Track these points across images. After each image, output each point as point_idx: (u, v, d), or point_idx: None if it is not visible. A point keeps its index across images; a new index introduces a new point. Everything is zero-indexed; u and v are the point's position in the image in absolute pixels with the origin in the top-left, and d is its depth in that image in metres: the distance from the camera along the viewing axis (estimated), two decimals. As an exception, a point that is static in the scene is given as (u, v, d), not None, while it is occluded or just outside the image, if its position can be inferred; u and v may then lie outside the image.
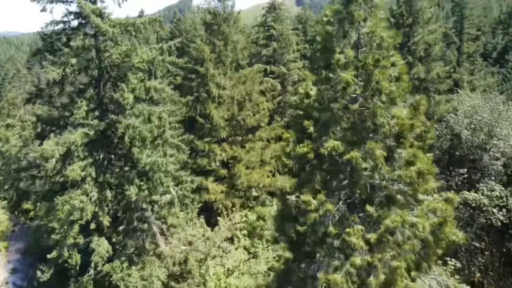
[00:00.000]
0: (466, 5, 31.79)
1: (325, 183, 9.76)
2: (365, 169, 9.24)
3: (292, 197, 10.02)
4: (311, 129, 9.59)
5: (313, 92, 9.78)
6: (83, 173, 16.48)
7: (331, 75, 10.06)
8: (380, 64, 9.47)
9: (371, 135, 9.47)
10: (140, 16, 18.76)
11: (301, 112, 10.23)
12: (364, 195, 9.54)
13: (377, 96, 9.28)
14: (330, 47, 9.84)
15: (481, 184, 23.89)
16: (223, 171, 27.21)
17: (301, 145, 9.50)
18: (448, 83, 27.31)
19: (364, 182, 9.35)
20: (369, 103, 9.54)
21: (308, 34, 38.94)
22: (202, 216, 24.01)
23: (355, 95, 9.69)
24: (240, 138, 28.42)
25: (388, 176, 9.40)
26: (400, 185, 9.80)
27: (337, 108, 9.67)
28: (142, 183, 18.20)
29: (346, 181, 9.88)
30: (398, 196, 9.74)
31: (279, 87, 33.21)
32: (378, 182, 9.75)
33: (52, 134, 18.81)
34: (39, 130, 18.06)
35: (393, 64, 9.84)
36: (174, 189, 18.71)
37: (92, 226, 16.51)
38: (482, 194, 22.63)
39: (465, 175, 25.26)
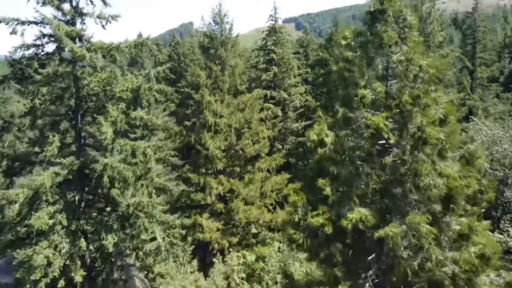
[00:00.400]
0: (478, 28, 29.38)
1: (347, 263, 6.92)
2: (405, 249, 6.43)
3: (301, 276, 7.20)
4: (328, 190, 6.81)
5: (329, 139, 7.02)
6: (51, 221, 13.61)
7: (351, 115, 7.36)
8: (421, 102, 6.78)
9: (411, 199, 6.68)
10: (147, 38, 16.40)
11: (313, 165, 7.44)
12: (401, 282, 6.71)
13: (420, 146, 6.54)
14: (350, 78, 7.14)
15: (506, 224, 21.08)
16: (220, 205, 24.23)
17: (314, 213, 6.70)
18: (463, 111, 24.63)
19: (403, 266, 6.53)
20: (406, 154, 6.81)
21: (310, 58, 36.65)
22: (196, 258, 21.00)
23: (387, 144, 6.97)
24: (238, 169, 25.55)
25: (435, 257, 6.58)
26: (448, 263, 6.99)
27: (362, 161, 6.92)
28: (124, 228, 15.40)
29: (376, 260, 7.04)
30: (446, 282, 6.90)
31: (280, 113, 30.61)
32: (420, 261, 6.93)
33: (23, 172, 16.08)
34: (4, 168, 15.28)
35: (436, 102, 7.14)
36: (161, 235, 15.80)
37: (61, 284, 13.54)
38: (508, 236, 19.78)
39: (483, 211, 22.46)
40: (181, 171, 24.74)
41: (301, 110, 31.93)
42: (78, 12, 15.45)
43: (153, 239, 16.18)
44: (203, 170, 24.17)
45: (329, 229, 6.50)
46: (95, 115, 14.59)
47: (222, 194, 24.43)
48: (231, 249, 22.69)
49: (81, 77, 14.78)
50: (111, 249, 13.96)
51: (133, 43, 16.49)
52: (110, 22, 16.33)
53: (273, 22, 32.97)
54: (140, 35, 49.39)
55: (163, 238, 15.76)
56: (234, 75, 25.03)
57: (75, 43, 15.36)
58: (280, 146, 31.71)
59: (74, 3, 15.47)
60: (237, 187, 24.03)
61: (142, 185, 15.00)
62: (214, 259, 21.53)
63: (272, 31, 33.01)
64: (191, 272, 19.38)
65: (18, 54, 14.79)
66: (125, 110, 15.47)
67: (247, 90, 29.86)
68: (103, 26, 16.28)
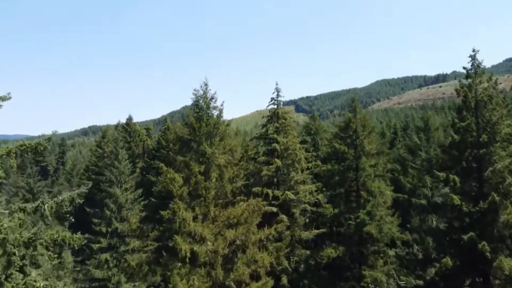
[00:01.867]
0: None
1: None
2: None
3: None
4: None
5: None
6: None
7: None
8: None
9: None
10: (49, 139, 7.47)
11: None
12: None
13: None
14: None
15: None
16: None
17: None
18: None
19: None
20: None
21: (319, 149, 28.57)
22: None
23: None
24: (228, 314, 16.02)
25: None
26: None
27: None
28: None
29: None
30: None
31: (285, 219, 21.70)
32: None
33: None
34: None
35: None
36: None
37: None
38: None
39: None
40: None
41: (312, 215, 23.00)
42: None
43: None
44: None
45: None
46: None
47: None
48: None
49: None
50: None
51: (32, 145, 8.30)
52: (9, 99, 8.33)
53: (275, 106, 25.48)
54: (130, 118, 42.32)
55: None
56: (222, 179, 16.52)
57: None
58: (286, 262, 22.23)
59: None
60: None
61: None
62: None
63: (274, 116, 25.33)
64: None
65: None
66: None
67: (243, 187, 21.40)
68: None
